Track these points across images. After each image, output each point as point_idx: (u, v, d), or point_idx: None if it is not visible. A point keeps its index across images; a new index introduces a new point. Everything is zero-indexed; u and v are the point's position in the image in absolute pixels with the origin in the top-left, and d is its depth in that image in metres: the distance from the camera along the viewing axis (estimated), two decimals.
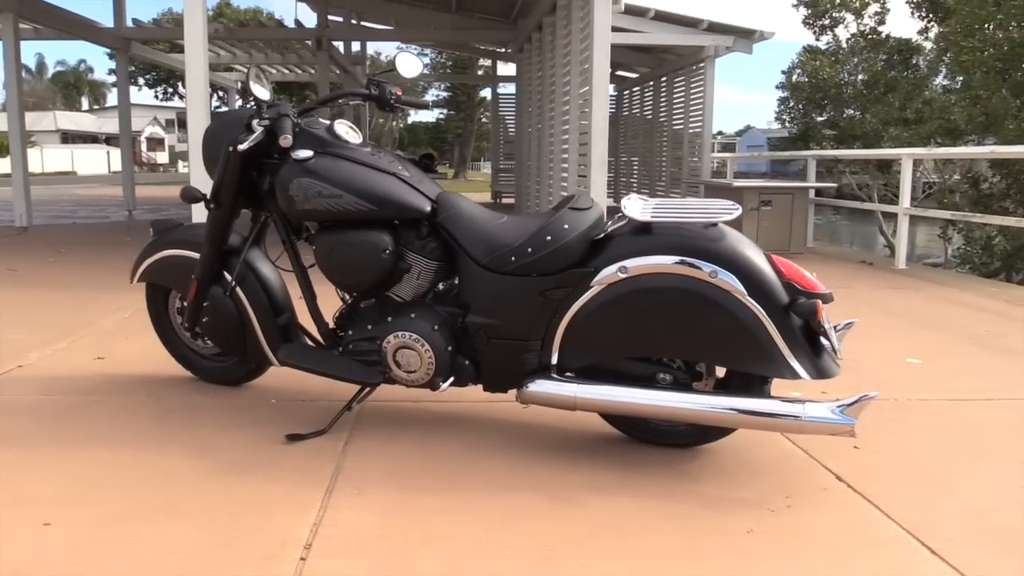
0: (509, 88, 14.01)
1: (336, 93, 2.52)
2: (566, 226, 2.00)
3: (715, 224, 1.97)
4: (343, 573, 1.51)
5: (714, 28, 8.50)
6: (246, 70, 2.54)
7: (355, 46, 14.16)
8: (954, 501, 1.90)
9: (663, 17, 8.44)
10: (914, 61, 12.51)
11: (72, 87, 51.43)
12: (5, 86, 7.97)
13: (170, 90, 30.25)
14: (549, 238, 1.99)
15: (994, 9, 9.49)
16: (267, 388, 2.65)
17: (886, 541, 1.69)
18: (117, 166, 35.13)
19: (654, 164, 10.33)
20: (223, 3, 28.24)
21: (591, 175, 5.14)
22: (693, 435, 2.13)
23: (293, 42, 12.53)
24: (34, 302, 4.17)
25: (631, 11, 8.03)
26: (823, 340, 1.94)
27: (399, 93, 2.37)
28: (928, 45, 12.17)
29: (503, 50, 13.26)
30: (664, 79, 9.89)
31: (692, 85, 8.91)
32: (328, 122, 2.28)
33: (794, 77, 13.57)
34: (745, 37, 8.52)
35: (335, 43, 11.85)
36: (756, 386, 2.00)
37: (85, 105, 51.52)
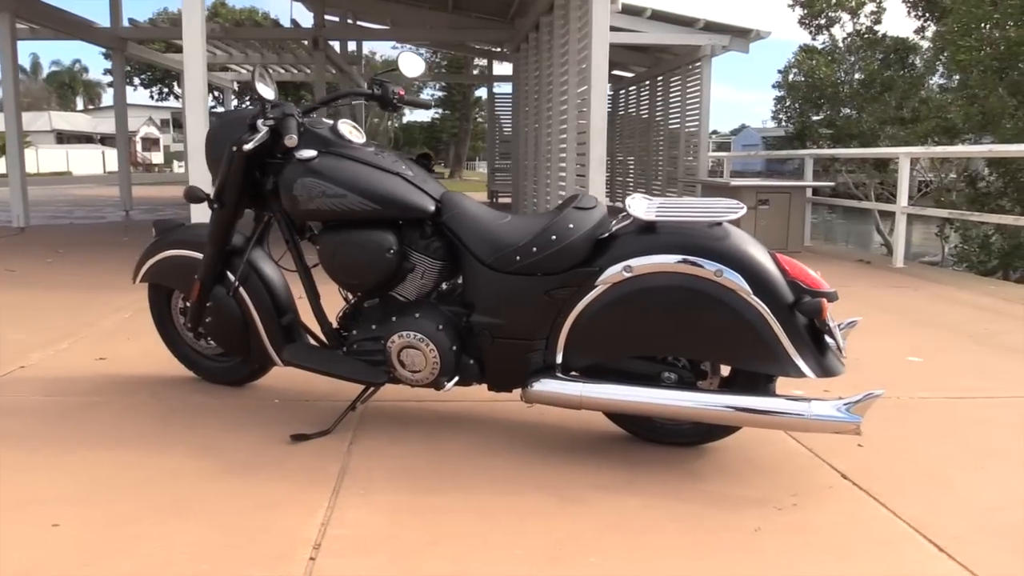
0: (505, 88, 14.02)
1: (339, 93, 2.52)
2: (571, 225, 2.00)
3: (720, 223, 1.97)
4: (353, 573, 1.51)
5: (710, 27, 8.51)
6: (250, 70, 2.54)
7: (351, 46, 14.14)
8: (959, 499, 1.90)
9: (660, 16, 8.45)
10: (910, 60, 12.55)
11: (67, 87, 51.25)
12: (2, 86, 7.93)
13: (165, 90, 30.14)
14: (554, 237, 1.99)
15: (991, 8, 9.53)
16: (270, 388, 2.65)
17: (893, 538, 1.70)
18: (112, 166, 35.04)
19: (650, 164, 10.34)
20: (218, 3, 28.16)
21: (589, 175, 5.14)
22: (698, 434, 2.13)
23: (289, 42, 12.51)
24: (33, 303, 4.16)
25: (628, 10, 8.03)
26: (828, 339, 1.95)
27: (402, 93, 2.37)
28: (925, 44, 12.21)
29: (499, 50, 13.25)
30: (660, 78, 9.89)
31: (688, 84, 8.92)
32: (331, 122, 2.28)
33: (790, 76, 13.60)
34: (741, 36, 8.53)
35: (331, 43, 11.83)
36: (761, 385, 2.00)
37: (80, 105, 51.34)
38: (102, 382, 2.73)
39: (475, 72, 18.34)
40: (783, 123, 14.54)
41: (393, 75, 2.38)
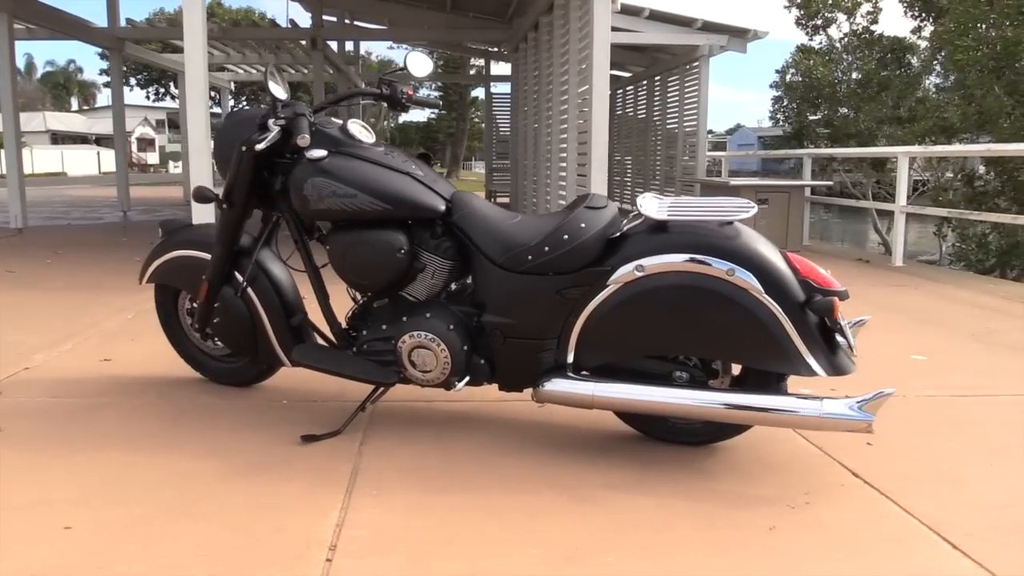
0: (502, 88, 14.01)
1: (348, 92, 2.51)
2: (583, 225, 2.00)
3: (731, 222, 1.97)
4: (370, 574, 1.51)
5: (708, 27, 8.52)
6: (261, 69, 2.53)
7: (348, 46, 14.12)
8: (970, 496, 1.91)
9: (658, 16, 8.46)
10: (907, 60, 12.60)
11: (62, 87, 51.05)
12: (0, 86, 7.89)
13: (162, 90, 30.05)
14: (566, 237, 1.99)
15: (987, 8, 9.57)
16: (277, 389, 2.64)
17: (907, 536, 1.70)
18: (107, 167, 34.92)
19: (648, 163, 10.35)
20: (214, 3, 28.09)
21: (591, 175, 5.15)
22: (709, 433, 2.14)
23: (286, 42, 12.49)
24: (35, 304, 4.14)
25: (626, 10, 8.03)
26: (839, 337, 1.96)
27: (411, 93, 2.37)
28: (922, 44, 12.26)
29: (496, 50, 13.25)
30: (658, 78, 9.91)
31: (686, 84, 8.94)
32: (341, 121, 2.27)
33: (788, 77, 13.63)
34: (739, 36, 8.55)
35: (329, 43, 11.81)
36: (772, 383, 2.00)
37: (75, 105, 51.15)
38: (108, 383, 2.72)
39: (472, 72, 18.33)
40: (781, 123, 14.58)
41: (401, 75, 2.38)
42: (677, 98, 9.20)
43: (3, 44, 7.64)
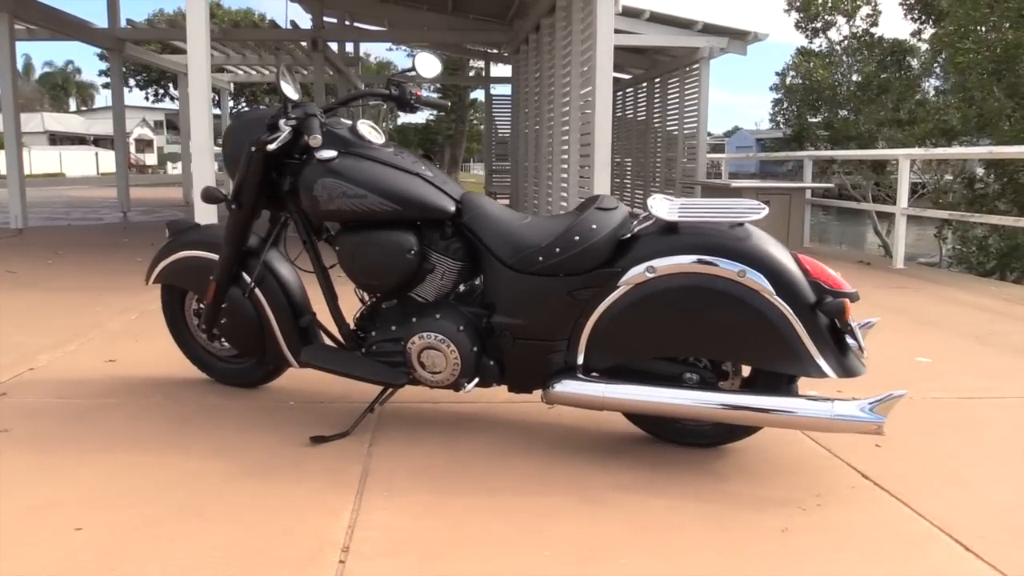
0: (501, 90, 14.01)
1: (357, 93, 2.51)
2: (594, 226, 2.00)
3: (742, 224, 1.97)
4: (383, 575, 1.50)
5: (709, 29, 8.54)
6: (273, 70, 2.53)
7: (348, 47, 14.12)
8: (981, 498, 1.91)
9: (658, 19, 8.47)
10: (907, 62, 12.62)
11: (60, 88, 50.98)
12: (0, 87, 7.87)
13: (161, 91, 30.01)
14: (577, 238, 1.99)
15: (987, 11, 9.60)
16: (284, 390, 2.64)
17: (920, 538, 1.70)
18: (105, 167, 34.84)
19: (647, 165, 10.36)
20: (214, 4, 28.09)
21: (594, 176, 5.15)
22: (718, 434, 2.13)
23: (286, 43, 12.48)
24: (37, 304, 4.13)
25: (627, 12, 8.04)
26: (849, 339, 1.96)
27: (419, 94, 2.37)
28: (923, 46, 12.30)
29: (497, 51, 13.26)
30: (658, 80, 9.92)
31: (687, 86, 8.95)
32: (350, 122, 2.27)
33: (788, 79, 13.66)
34: (739, 38, 8.57)
35: (329, 44, 11.81)
36: (783, 385, 2.00)
37: (73, 106, 51.08)
38: (114, 384, 2.71)
39: (471, 74, 18.35)
40: (781, 125, 14.60)
41: (410, 76, 2.37)
42: (677, 100, 9.21)
43: (4, 44, 7.62)
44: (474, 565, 1.55)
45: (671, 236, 1.97)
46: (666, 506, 1.82)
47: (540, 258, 2.02)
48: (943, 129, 10.67)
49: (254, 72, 15.06)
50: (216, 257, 2.43)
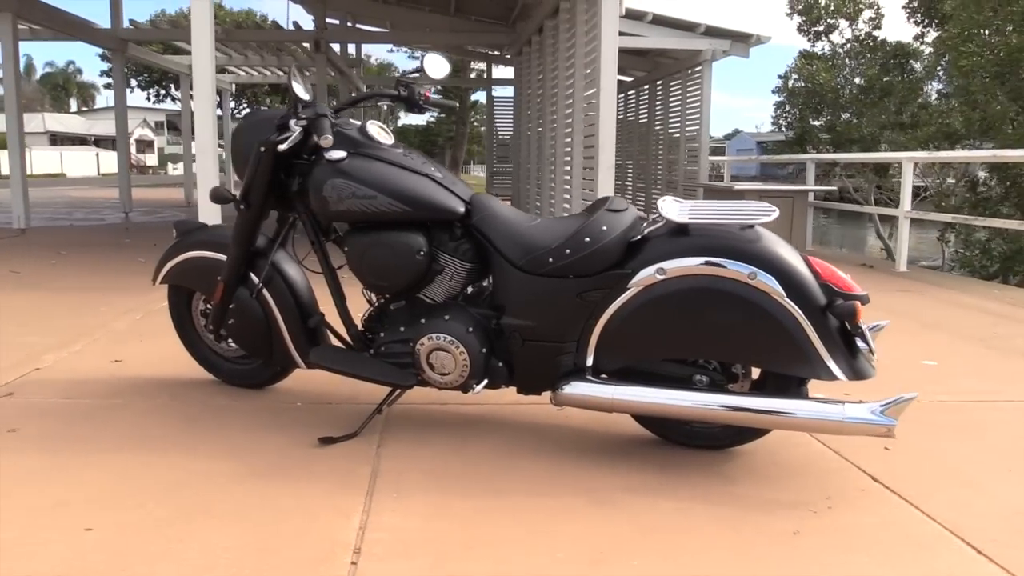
0: (503, 91, 14.02)
1: (366, 94, 2.51)
2: (604, 228, 2.00)
3: (752, 226, 1.97)
4: None
5: (711, 32, 8.55)
6: (286, 71, 2.52)
7: (351, 48, 14.13)
8: (991, 502, 1.91)
9: (661, 21, 8.48)
10: (910, 65, 12.63)
11: (61, 89, 50.99)
12: (4, 87, 7.88)
13: (162, 92, 30.01)
14: (588, 239, 1.99)
15: (991, 15, 9.61)
16: (291, 391, 2.63)
17: (931, 541, 1.70)
18: (106, 168, 34.83)
19: (649, 168, 10.36)
20: (216, 5, 28.03)
21: (598, 178, 5.15)
22: (728, 436, 2.13)
23: (288, 44, 12.49)
24: (41, 304, 4.12)
25: (629, 15, 8.06)
26: (858, 341, 1.95)
27: (428, 95, 2.37)
28: (926, 50, 12.30)
29: (498, 53, 13.27)
30: (660, 83, 9.92)
31: (689, 88, 8.95)
32: (360, 123, 2.27)
33: (791, 82, 13.67)
34: (742, 41, 8.57)
35: (331, 45, 11.82)
36: (793, 387, 2.00)
37: (74, 107, 51.09)
38: (120, 384, 2.71)
39: (472, 76, 18.37)
40: (783, 128, 14.61)
41: (415, 76, 2.37)
42: (679, 103, 9.22)
43: (7, 44, 7.63)
44: (487, 566, 1.55)
45: (681, 238, 1.97)
46: (676, 508, 1.82)
47: (550, 259, 2.02)
48: (946, 133, 10.68)
49: (255, 73, 15.07)
50: (223, 257, 2.43)
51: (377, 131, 2.23)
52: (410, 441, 2.20)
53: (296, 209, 2.34)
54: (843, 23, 13.08)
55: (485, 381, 2.13)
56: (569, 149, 6.59)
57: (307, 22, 12.35)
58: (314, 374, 2.43)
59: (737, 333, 1.93)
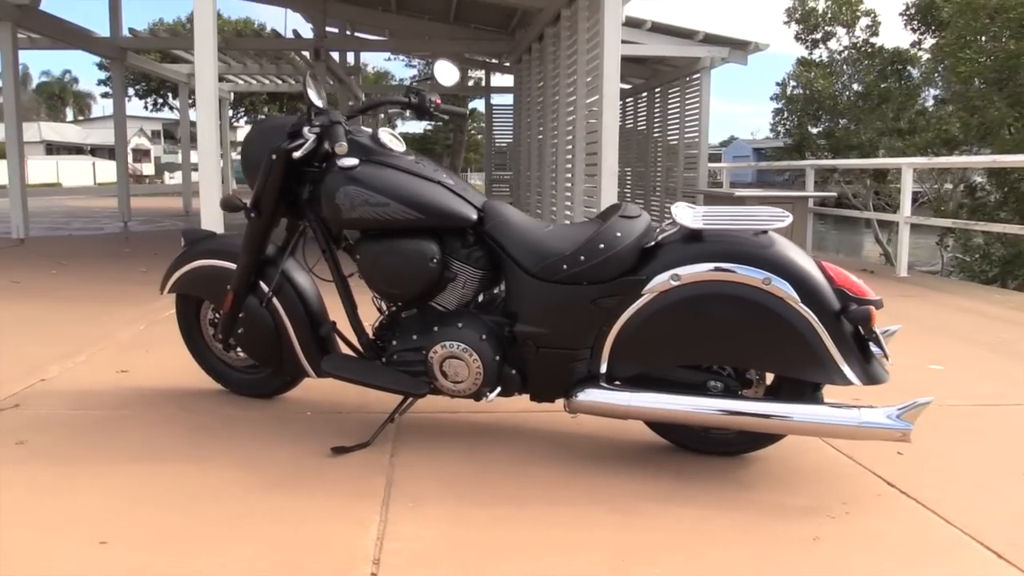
0: (500, 99, 14.04)
1: (377, 100, 2.50)
2: (618, 234, 2.00)
3: (766, 231, 1.97)
4: None
5: (710, 40, 8.59)
6: (302, 77, 2.52)
7: (349, 57, 14.15)
8: (1008, 505, 1.90)
9: (660, 29, 8.53)
10: (907, 71, 12.70)
11: (57, 98, 50.94)
12: (3, 96, 7.87)
13: (160, 101, 30.00)
14: (602, 246, 1.99)
15: (988, 22, 9.68)
16: (300, 401, 2.62)
17: (951, 546, 1.69)
18: (103, 177, 34.78)
19: (648, 175, 10.39)
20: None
21: (601, 185, 5.16)
22: (742, 443, 2.12)
23: (287, 52, 12.50)
24: (44, 315, 4.10)
25: (629, 23, 8.10)
26: (872, 346, 1.95)
27: (438, 102, 2.37)
28: (924, 56, 12.37)
29: (496, 61, 13.30)
30: (658, 90, 9.96)
31: (687, 96, 8.99)
32: (371, 130, 2.26)
33: (789, 89, 13.73)
34: (740, 48, 8.62)
35: (331, 53, 11.84)
36: (808, 393, 2.00)
37: (70, 116, 51.04)
38: (127, 395, 2.69)
39: (471, 84, 18.41)
40: (781, 135, 14.67)
41: (429, 83, 2.38)
42: (678, 110, 9.25)
43: (7, 53, 7.63)
44: None
45: (695, 244, 1.97)
46: (695, 515, 1.81)
47: (564, 266, 2.01)
48: (944, 139, 10.73)
49: (254, 82, 15.09)
50: (232, 266, 2.41)
51: (389, 138, 2.23)
52: (423, 450, 2.19)
53: (306, 217, 2.33)
54: (840, 30, 13.17)
55: (499, 389, 2.12)
56: (571, 156, 6.60)
57: (306, 30, 12.35)
58: (322, 383, 2.42)
59: (752, 338, 1.93)
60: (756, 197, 7.17)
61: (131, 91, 27.92)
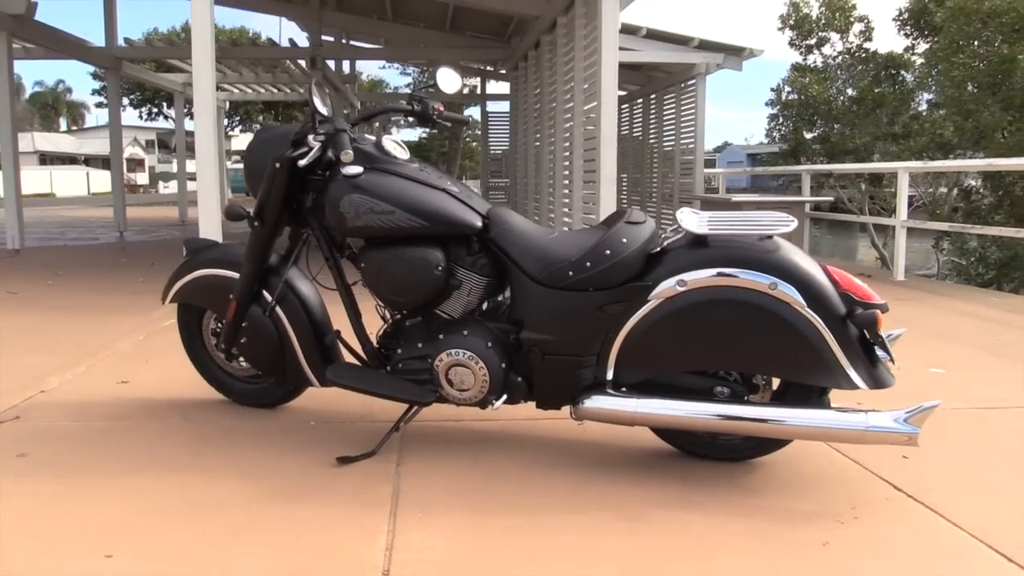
0: (495, 107, 14.06)
1: (380, 108, 2.51)
2: (624, 240, 2.00)
3: (771, 236, 1.97)
4: None
5: (705, 46, 8.63)
6: (307, 85, 2.52)
7: (345, 65, 14.16)
8: (1014, 508, 1.90)
9: (655, 35, 8.56)
10: (901, 76, 12.78)
11: (50, 108, 50.82)
12: None
13: (155, 110, 29.95)
14: (608, 252, 1.99)
15: (980, 27, 9.76)
16: (303, 410, 2.61)
17: (961, 550, 1.69)
18: (97, 187, 34.67)
19: (644, 181, 10.41)
20: None
21: (600, 191, 5.16)
22: (749, 448, 2.12)
23: (283, 61, 12.51)
24: (42, 325, 4.08)
25: (624, 29, 8.12)
26: (878, 350, 1.95)
27: (441, 109, 2.37)
28: (918, 60, 12.45)
29: (492, 69, 13.34)
30: (653, 96, 9.99)
31: (683, 102, 9.02)
32: (375, 138, 2.26)
33: (783, 95, 13.79)
34: (735, 55, 8.66)
35: (327, 62, 11.85)
36: (814, 397, 2.00)
37: (63, 126, 50.93)
38: (129, 406, 2.67)
39: (466, 92, 18.45)
40: (777, 140, 14.73)
41: (432, 91, 2.38)
42: (673, 116, 9.28)
43: (1, 63, 7.60)
44: None
45: (701, 249, 1.97)
46: (704, 522, 1.81)
47: (570, 273, 2.01)
48: (939, 143, 10.80)
49: (249, 91, 15.08)
50: (235, 275, 2.41)
51: (393, 146, 2.23)
52: (429, 459, 2.18)
53: (309, 225, 2.32)
54: (834, 36, 13.24)
55: (505, 396, 2.11)
56: (568, 163, 6.61)
57: (301, 39, 12.38)
58: (325, 393, 2.41)
59: (758, 343, 1.93)
60: (753, 202, 7.19)
61: (126, 100, 27.88)
